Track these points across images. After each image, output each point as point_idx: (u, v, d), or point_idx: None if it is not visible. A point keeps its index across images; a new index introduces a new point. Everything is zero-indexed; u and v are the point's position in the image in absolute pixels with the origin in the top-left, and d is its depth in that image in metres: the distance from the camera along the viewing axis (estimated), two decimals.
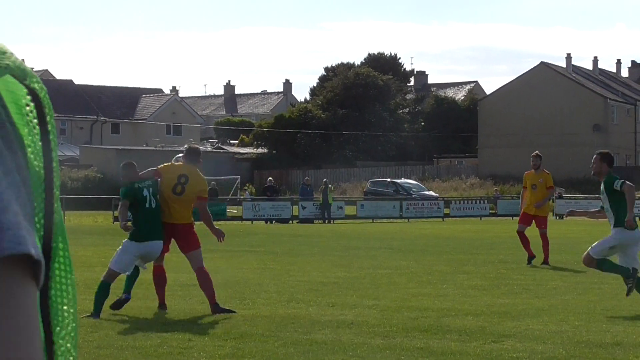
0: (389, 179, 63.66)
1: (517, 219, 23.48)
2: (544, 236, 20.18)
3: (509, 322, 11.08)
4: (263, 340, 9.70)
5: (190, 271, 17.92)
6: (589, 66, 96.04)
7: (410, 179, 67.60)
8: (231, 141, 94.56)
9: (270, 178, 55.36)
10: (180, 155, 13.19)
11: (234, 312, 11.86)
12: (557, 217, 53.46)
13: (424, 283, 14.93)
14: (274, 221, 47.35)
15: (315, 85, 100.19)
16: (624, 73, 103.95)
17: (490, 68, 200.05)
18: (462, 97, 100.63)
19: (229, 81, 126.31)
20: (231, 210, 50.43)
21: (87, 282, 15.38)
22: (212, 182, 54.88)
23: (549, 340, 9.72)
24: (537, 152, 21.16)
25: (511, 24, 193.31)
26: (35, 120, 0.94)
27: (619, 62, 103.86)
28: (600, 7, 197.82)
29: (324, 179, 54.53)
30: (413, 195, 57.48)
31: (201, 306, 12.38)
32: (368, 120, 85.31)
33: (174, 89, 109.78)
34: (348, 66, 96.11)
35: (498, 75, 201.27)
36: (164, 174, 12.65)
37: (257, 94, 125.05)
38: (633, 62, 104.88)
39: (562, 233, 33.86)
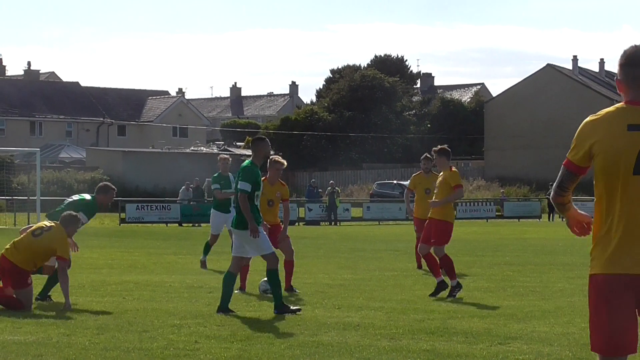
0: (395, 181, 63.64)
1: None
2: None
3: (515, 324, 11.07)
4: (269, 342, 9.71)
5: (196, 273, 17.96)
6: (595, 68, 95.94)
7: None
8: (237, 143, 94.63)
9: None
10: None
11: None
12: (563, 219, 53.43)
13: (430, 285, 14.88)
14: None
15: (321, 87, 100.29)
16: None
17: (496, 70, 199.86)
18: (468, 99, 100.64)
19: (235, 83, 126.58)
20: None
21: (93, 284, 15.41)
22: None
23: (556, 342, 9.71)
24: (426, 154, 18.20)
25: (517, 25, 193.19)
26: None
27: None
28: (607, 9, 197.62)
29: (331, 182, 54.50)
30: None
31: (207, 308, 12.39)
32: (374, 122, 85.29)
33: (180, 91, 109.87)
34: (354, 68, 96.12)
35: (504, 77, 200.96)
36: None
37: (263, 95, 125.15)
38: None
39: (568, 234, 33.85)
